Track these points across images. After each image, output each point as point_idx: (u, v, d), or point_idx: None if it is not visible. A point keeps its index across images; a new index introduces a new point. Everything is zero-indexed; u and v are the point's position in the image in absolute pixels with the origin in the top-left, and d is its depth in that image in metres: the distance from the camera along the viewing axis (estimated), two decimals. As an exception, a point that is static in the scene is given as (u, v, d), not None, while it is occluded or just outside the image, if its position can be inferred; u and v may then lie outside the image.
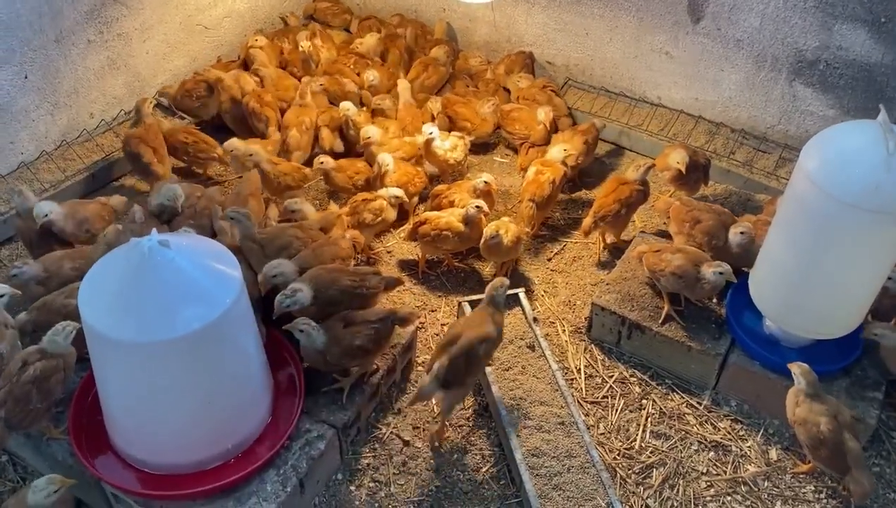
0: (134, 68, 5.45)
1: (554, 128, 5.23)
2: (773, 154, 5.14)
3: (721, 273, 3.71)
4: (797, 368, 3.40)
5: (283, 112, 5.39)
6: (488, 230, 4.18)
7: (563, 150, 4.72)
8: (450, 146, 4.96)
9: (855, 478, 3.28)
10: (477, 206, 4.27)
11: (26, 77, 4.80)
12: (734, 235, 3.96)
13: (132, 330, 2.78)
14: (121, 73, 5.38)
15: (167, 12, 5.51)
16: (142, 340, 2.77)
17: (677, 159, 4.52)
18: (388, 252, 4.77)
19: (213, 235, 3.97)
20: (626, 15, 5.37)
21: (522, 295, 4.19)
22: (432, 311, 4.37)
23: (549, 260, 4.71)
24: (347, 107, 5.20)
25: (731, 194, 5.05)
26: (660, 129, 5.41)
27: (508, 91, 5.82)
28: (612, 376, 3.99)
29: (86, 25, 5.01)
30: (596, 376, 4.00)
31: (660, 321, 3.94)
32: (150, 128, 4.85)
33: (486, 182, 4.55)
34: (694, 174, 4.64)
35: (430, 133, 4.91)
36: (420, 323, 4.26)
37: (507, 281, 3.55)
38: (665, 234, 4.50)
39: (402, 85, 5.52)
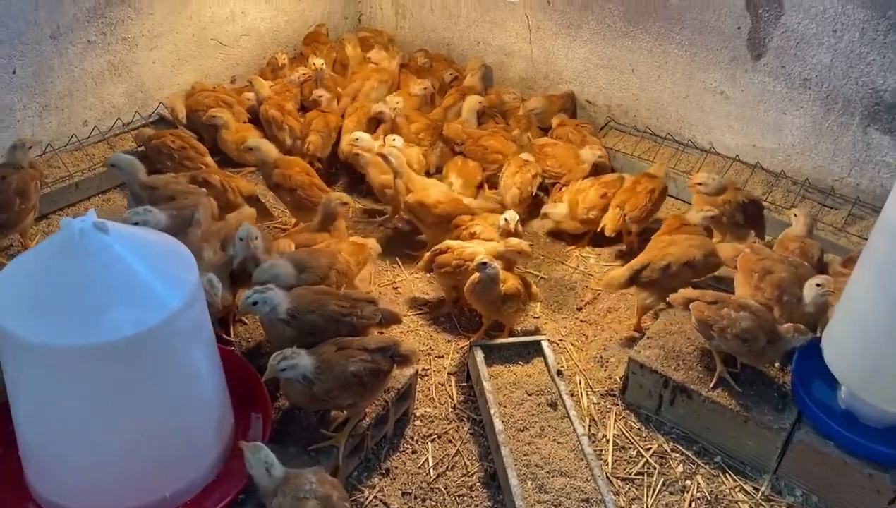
0: (137, 77, 5.04)
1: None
2: (842, 209, 4.50)
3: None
4: None
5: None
6: (479, 257, 3.47)
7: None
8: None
9: None
10: (506, 219, 3.78)
11: (14, 72, 4.39)
12: (810, 289, 3.30)
13: (46, 331, 2.19)
14: (122, 81, 4.97)
15: (179, 21, 5.13)
16: (56, 343, 2.18)
17: (701, 177, 4.16)
18: (395, 288, 4.17)
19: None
20: (678, 50, 4.86)
21: (545, 344, 3.54)
22: (438, 357, 3.72)
23: (580, 309, 4.07)
24: (357, 137, 4.68)
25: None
26: (711, 177, 4.81)
27: (543, 129, 5.31)
28: (649, 448, 3.29)
29: (87, 24, 4.63)
30: (630, 447, 3.29)
31: (710, 385, 3.25)
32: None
33: (506, 219, 3.91)
34: (737, 215, 4.07)
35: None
36: (423, 369, 3.62)
37: None
38: (722, 283, 3.86)
39: (469, 102, 5.17)
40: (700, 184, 4.19)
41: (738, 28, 4.56)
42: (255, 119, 5.17)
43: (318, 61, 5.38)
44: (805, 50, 4.38)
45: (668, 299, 3.43)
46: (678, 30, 4.80)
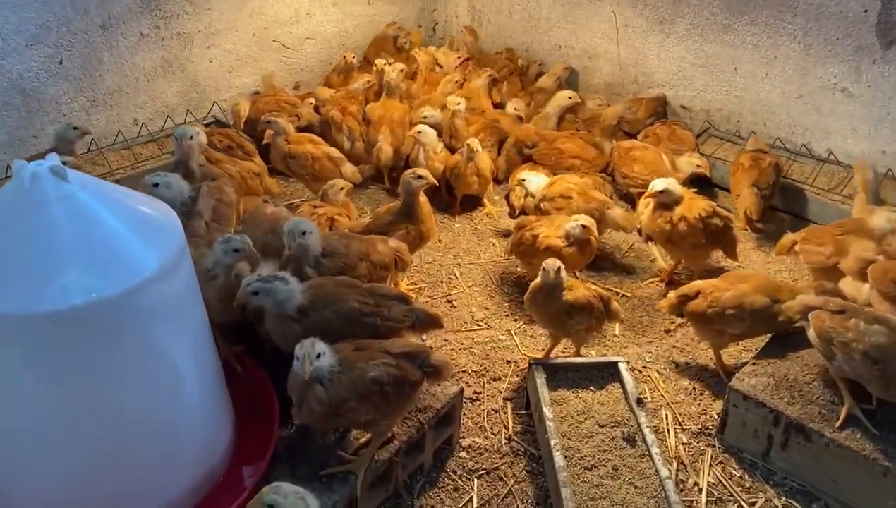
0: (192, 76, 4.77)
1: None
2: None
3: None
4: None
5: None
6: (548, 262, 2.88)
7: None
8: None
9: None
10: (583, 226, 3.36)
11: (61, 62, 4.17)
12: None
13: (-23, 294, 1.75)
14: (176, 79, 4.70)
15: (238, 19, 4.85)
16: (-16, 309, 1.73)
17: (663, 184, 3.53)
18: (450, 301, 3.62)
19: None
20: (789, 41, 4.20)
21: (624, 367, 2.89)
22: (494, 380, 3.13)
23: (669, 332, 3.41)
24: (420, 130, 4.30)
25: (936, 275, 3.59)
26: (830, 187, 4.08)
27: (628, 133, 4.72)
28: (755, 503, 2.60)
29: (140, 16, 4.39)
30: (730, 500, 2.60)
31: (837, 423, 2.53)
32: None
33: (583, 226, 3.36)
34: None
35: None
36: (474, 393, 3.03)
37: None
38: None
39: (558, 98, 4.72)
40: (662, 192, 3.50)
41: (865, 11, 3.88)
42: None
43: (380, 61, 4.99)
44: (950, 33, 3.66)
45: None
46: (790, 18, 4.15)
